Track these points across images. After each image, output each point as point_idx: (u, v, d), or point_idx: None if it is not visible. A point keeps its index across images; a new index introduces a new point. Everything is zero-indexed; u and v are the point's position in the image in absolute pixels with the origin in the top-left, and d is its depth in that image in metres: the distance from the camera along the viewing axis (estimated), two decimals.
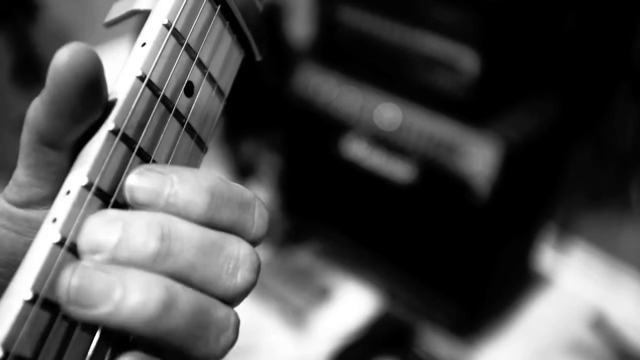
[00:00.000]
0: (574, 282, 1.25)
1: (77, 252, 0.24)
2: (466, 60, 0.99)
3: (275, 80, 1.34)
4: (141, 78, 0.26)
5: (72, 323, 0.24)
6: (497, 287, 1.15)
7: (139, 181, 0.25)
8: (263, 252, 1.30)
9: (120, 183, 0.25)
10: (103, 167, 0.25)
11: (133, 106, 0.26)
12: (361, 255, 1.22)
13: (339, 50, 1.17)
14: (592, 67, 1.18)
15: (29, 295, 0.22)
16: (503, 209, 1.03)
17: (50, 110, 0.24)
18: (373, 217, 1.17)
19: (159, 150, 0.27)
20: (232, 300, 0.26)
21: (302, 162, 1.27)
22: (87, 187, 0.24)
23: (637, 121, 1.14)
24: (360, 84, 1.11)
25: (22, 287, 0.23)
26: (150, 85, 0.26)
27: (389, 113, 1.08)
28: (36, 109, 0.25)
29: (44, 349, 0.23)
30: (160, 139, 0.27)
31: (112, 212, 0.24)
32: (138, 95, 0.26)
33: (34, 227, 0.26)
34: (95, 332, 0.24)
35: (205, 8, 0.29)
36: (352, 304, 1.20)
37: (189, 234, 0.25)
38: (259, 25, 0.32)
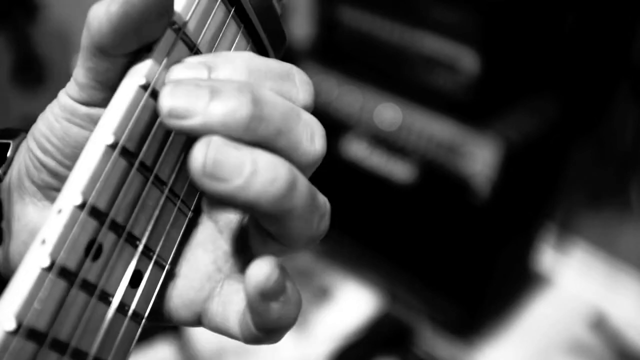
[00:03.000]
0: (574, 282, 1.25)
1: (68, 275, 0.22)
2: (466, 60, 0.99)
3: None
4: (144, 87, 0.24)
5: (59, 356, 0.22)
6: (497, 287, 1.15)
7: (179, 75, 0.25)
8: None
9: (118, 200, 0.24)
10: (99, 184, 0.23)
11: (135, 117, 0.24)
12: (361, 255, 1.22)
13: (339, 50, 1.17)
14: (592, 67, 1.18)
15: (12, 326, 0.21)
16: (503, 209, 1.03)
17: (116, 27, 0.24)
18: (373, 217, 1.17)
19: (163, 163, 0.26)
20: (311, 166, 0.27)
21: None
22: (81, 206, 0.23)
23: (637, 121, 1.14)
24: (360, 84, 1.11)
25: (5, 315, 0.21)
26: (154, 95, 0.25)
27: (389, 113, 1.08)
28: (100, 21, 0.24)
29: None
30: (163, 152, 0.26)
31: (198, 80, 0.24)
32: (140, 107, 0.24)
33: (96, 122, 0.25)
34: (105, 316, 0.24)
35: (218, 10, 0.27)
36: (352, 304, 1.20)
37: (274, 99, 0.25)
38: (276, 29, 0.30)
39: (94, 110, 0.26)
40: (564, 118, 1.11)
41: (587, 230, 1.28)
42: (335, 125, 1.14)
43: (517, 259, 1.20)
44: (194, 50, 0.26)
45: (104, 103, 0.26)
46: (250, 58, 0.26)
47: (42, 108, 0.28)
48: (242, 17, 0.28)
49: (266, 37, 0.29)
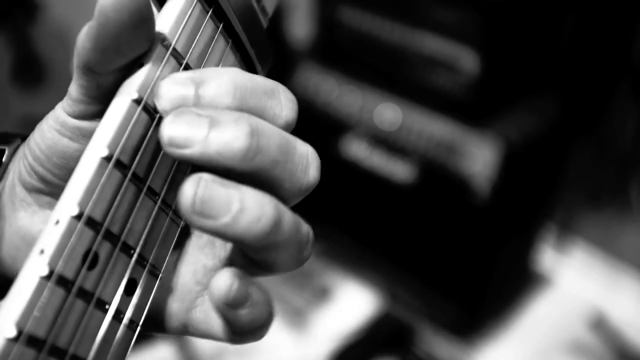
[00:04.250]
0: (574, 282, 1.25)
1: (66, 285, 0.23)
2: (466, 60, 0.99)
3: (275, 80, 1.33)
4: (137, 101, 0.25)
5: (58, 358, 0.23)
6: (497, 287, 1.15)
7: (168, 87, 0.26)
8: None
9: (113, 208, 0.25)
10: (95, 195, 0.24)
11: (129, 131, 0.25)
12: (361, 255, 1.22)
13: (339, 50, 1.17)
14: (592, 67, 1.18)
15: (12, 333, 0.21)
16: (503, 209, 1.03)
17: (95, 45, 0.25)
18: (373, 217, 1.17)
19: (155, 174, 0.27)
20: (300, 196, 0.28)
21: None
22: (78, 217, 0.23)
23: (637, 121, 1.14)
24: (360, 84, 1.11)
25: (6, 323, 0.22)
26: (146, 108, 0.26)
27: (389, 113, 1.08)
28: (83, 40, 0.25)
29: None
30: (156, 163, 0.27)
31: (196, 109, 0.25)
32: (134, 120, 0.25)
33: (85, 135, 0.27)
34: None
35: (207, 26, 0.28)
36: (352, 304, 1.20)
37: (271, 131, 0.26)
38: (262, 43, 0.31)
39: (84, 124, 0.27)
40: (564, 118, 1.11)
41: (587, 230, 1.28)
42: (335, 125, 1.14)
43: (517, 259, 1.20)
44: (182, 65, 0.27)
45: (95, 117, 0.27)
46: (236, 74, 0.27)
47: (42, 108, 0.29)
48: (229, 33, 0.29)
49: (253, 51, 0.30)
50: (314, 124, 1.17)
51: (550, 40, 1.11)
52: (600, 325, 1.13)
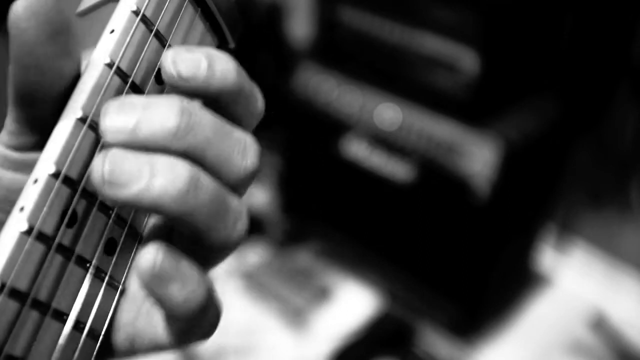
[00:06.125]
0: (574, 282, 1.25)
1: (46, 240, 0.24)
2: (466, 60, 0.99)
3: (275, 80, 1.34)
4: (109, 65, 0.26)
5: (41, 316, 0.24)
6: (497, 287, 1.15)
7: (178, 56, 0.26)
8: (263, 252, 1.30)
9: (88, 171, 0.25)
10: (71, 155, 0.25)
11: (101, 93, 0.26)
12: (361, 255, 1.22)
13: (339, 50, 1.17)
14: (592, 67, 1.18)
15: None
16: (503, 209, 1.03)
17: (15, 65, 0.25)
18: (373, 217, 1.17)
19: None
20: (242, 182, 0.28)
21: (302, 162, 1.27)
22: (55, 175, 0.24)
23: (637, 121, 1.14)
24: (360, 84, 1.11)
25: None
26: (119, 72, 0.26)
27: (389, 113, 1.08)
28: (9, 66, 0.25)
29: (10, 339, 0.23)
30: None
31: (132, 97, 0.26)
32: (106, 82, 0.26)
33: (29, 165, 0.27)
34: (63, 327, 0.25)
35: None
36: (352, 304, 1.20)
37: (204, 113, 0.26)
38: (231, 12, 0.32)
39: (25, 156, 0.27)
40: (564, 118, 1.11)
41: (587, 230, 1.28)
42: (335, 125, 1.14)
43: (517, 259, 1.20)
44: (153, 32, 0.28)
45: (34, 147, 0.27)
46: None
47: None
48: (198, 2, 0.30)
49: (222, 18, 0.31)
50: (314, 124, 1.17)
51: (550, 41, 1.11)
52: (600, 325, 1.13)
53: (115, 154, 0.24)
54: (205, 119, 0.26)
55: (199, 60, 0.27)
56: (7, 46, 0.24)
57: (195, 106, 0.26)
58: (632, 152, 1.17)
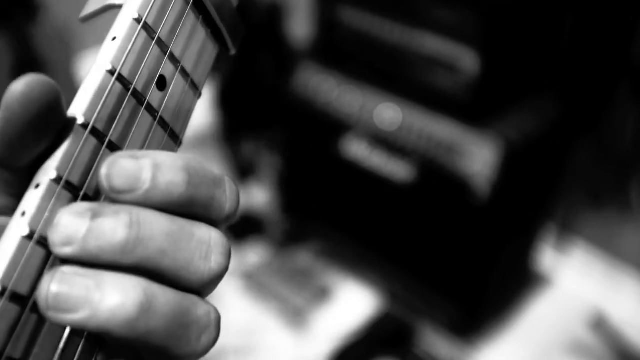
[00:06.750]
0: (574, 282, 1.25)
1: (46, 245, 0.24)
2: (466, 60, 0.99)
3: (275, 80, 1.34)
4: (111, 72, 0.26)
5: (41, 318, 0.24)
6: (497, 288, 1.15)
7: (114, 168, 0.25)
8: (263, 252, 1.30)
9: (90, 176, 0.25)
10: (72, 161, 0.25)
11: (103, 100, 0.26)
12: (361, 255, 1.22)
13: (339, 50, 1.17)
14: (592, 67, 1.18)
15: None
16: (503, 209, 1.03)
17: (0, 137, 0.24)
18: (373, 217, 1.17)
19: (130, 143, 0.27)
20: (207, 285, 0.26)
21: (302, 162, 1.27)
22: (56, 180, 0.24)
23: (637, 121, 1.14)
24: (360, 84, 1.11)
25: None
26: (120, 79, 0.26)
27: (389, 113, 1.08)
28: None
29: (12, 343, 0.23)
30: (132, 131, 0.27)
31: (82, 204, 0.24)
32: (108, 89, 0.26)
33: None
34: (65, 329, 0.25)
35: (177, 1, 0.29)
36: (352, 304, 1.20)
37: (157, 220, 0.25)
38: (233, 19, 0.32)
39: None
40: (564, 118, 1.11)
41: (587, 230, 1.28)
42: (335, 125, 1.14)
43: (517, 259, 1.20)
44: (154, 39, 0.28)
45: (5, 211, 0.26)
46: (189, 161, 0.26)
47: None
48: (199, 8, 0.30)
49: (223, 25, 0.31)
50: (314, 124, 1.17)
51: (550, 41, 1.11)
52: (600, 325, 1.13)
53: (63, 275, 0.23)
54: (159, 228, 0.24)
55: (140, 171, 0.25)
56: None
57: (147, 214, 0.24)
58: (632, 152, 1.17)
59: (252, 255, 1.29)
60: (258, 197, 1.39)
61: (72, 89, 1.30)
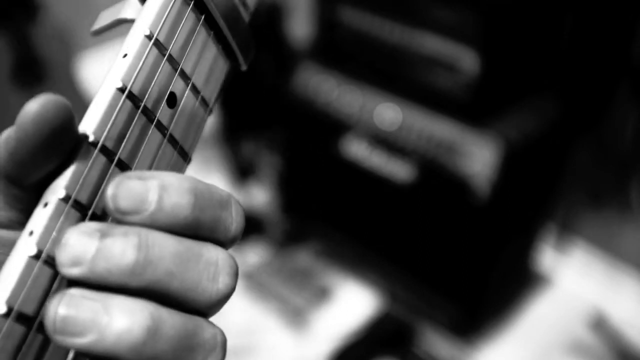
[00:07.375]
0: (574, 282, 1.25)
1: (53, 264, 0.24)
2: (466, 60, 0.99)
3: (275, 80, 1.34)
4: (121, 89, 0.26)
5: (46, 339, 0.24)
6: (497, 288, 1.15)
7: (120, 189, 0.24)
8: (263, 252, 1.30)
9: (98, 195, 0.25)
10: (81, 180, 0.25)
11: (113, 118, 0.26)
12: (361, 255, 1.22)
13: (339, 50, 1.17)
14: (592, 66, 1.18)
15: (3, 309, 0.22)
16: (503, 209, 1.03)
17: (12, 155, 0.24)
18: (373, 217, 1.17)
19: (139, 161, 0.27)
20: (214, 306, 0.26)
21: (302, 162, 1.27)
22: (65, 199, 0.24)
23: (637, 121, 1.14)
24: (360, 84, 1.11)
25: None
26: (130, 97, 0.26)
27: (389, 113, 1.08)
28: (0, 149, 0.25)
29: None
30: (141, 150, 0.27)
31: (90, 224, 0.24)
32: (118, 107, 0.26)
33: (5, 245, 0.26)
34: (70, 350, 0.25)
35: (188, 18, 0.29)
36: (352, 304, 1.20)
37: (165, 242, 0.25)
38: (244, 35, 0.31)
39: (2, 233, 0.27)
40: (564, 118, 1.11)
41: (587, 230, 1.28)
42: (335, 125, 1.14)
43: (517, 259, 1.20)
44: (165, 56, 0.28)
45: (13, 225, 0.26)
46: (196, 183, 0.26)
47: None
48: (211, 25, 0.30)
49: (234, 42, 0.31)
50: (314, 124, 1.17)
51: (550, 41, 1.11)
52: (600, 325, 1.13)
53: (71, 298, 0.23)
54: (167, 249, 0.24)
55: (146, 193, 0.24)
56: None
57: (155, 236, 0.24)
58: (632, 152, 1.17)
59: (252, 255, 1.29)
60: (258, 197, 1.39)
61: (72, 89, 1.30)
